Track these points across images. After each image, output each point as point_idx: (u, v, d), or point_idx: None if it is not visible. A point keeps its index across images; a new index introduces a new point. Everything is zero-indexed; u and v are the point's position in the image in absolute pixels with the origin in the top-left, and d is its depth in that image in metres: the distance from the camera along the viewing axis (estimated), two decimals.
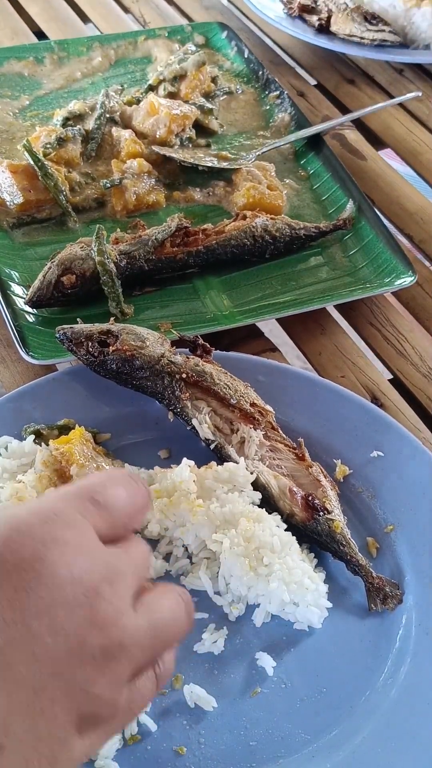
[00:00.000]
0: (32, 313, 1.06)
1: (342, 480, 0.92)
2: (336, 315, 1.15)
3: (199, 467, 0.87)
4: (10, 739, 0.50)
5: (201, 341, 0.96)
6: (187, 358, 0.94)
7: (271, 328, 1.14)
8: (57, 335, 0.95)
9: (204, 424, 0.90)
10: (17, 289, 1.08)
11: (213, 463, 0.88)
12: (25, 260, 1.13)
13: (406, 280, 1.12)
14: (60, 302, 1.06)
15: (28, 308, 1.06)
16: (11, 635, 0.51)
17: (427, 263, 1.24)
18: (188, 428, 0.92)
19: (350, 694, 0.78)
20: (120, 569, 0.58)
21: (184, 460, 0.87)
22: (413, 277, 1.13)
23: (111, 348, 0.93)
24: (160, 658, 0.61)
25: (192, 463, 0.87)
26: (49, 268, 1.05)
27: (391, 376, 1.09)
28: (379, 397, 1.04)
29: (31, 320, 1.05)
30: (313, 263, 1.18)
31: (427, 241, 1.27)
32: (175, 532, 0.85)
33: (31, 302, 1.05)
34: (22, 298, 1.07)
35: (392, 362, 1.10)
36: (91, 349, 0.94)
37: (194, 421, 0.90)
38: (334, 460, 0.93)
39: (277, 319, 1.12)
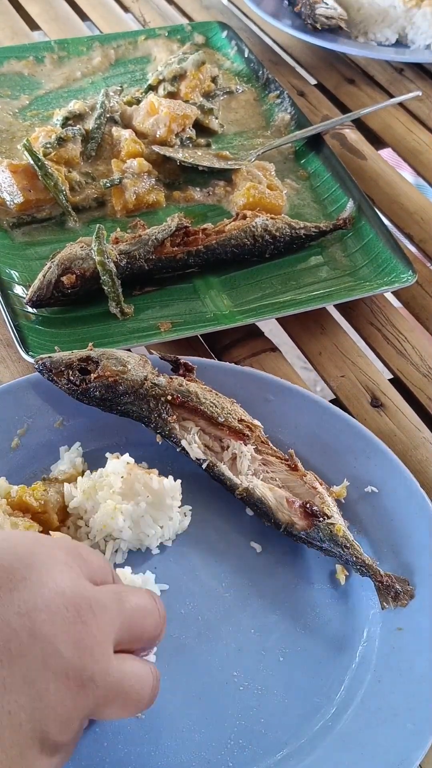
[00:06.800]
0: (32, 313, 1.06)
1: None
2: (336, 315, 1.15)
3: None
4: None
5: (182, 360, 0.95)
6: (171, 378, 0.92)
7: (271, 327, 1.14)
8: (36, 366, 0.93)
9: (193, 444, 0.89)
10: (17, 288, 1.08)
11: (155, 471, 0.87)
12: (25, 260, 1.13)
13: (407, 280, 1.12)
14: (60, 302, 1.06)
15: (28, 308, 1.06)
16: None
17: (427, 263, 1.24)
18: (178, 450, 0.90)
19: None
20: (105, 605, 0.59)
21: (126, 455, 0.87)
22: (413, 277, 1.12)
23: (93, 375, 0.91)
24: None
25: (131, 460, 0.87)
26: (49, 267, 1.05)
27: (391, 376, 1.09)
28: (379, 397, 1.04)
29: (31, 320, 1.05)
30: (313, 263, 1.17)
31: (427, 240, 1.27)
32: (88, 515, 0.85)
33: (31, 302, 1.04)
34: (22, 297, 1.07)
35: (392, 362, 1.10)
36: (72, 378, 0.91)
37: (183, 443, 0.89)
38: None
39: (277, 319, 1.12)
